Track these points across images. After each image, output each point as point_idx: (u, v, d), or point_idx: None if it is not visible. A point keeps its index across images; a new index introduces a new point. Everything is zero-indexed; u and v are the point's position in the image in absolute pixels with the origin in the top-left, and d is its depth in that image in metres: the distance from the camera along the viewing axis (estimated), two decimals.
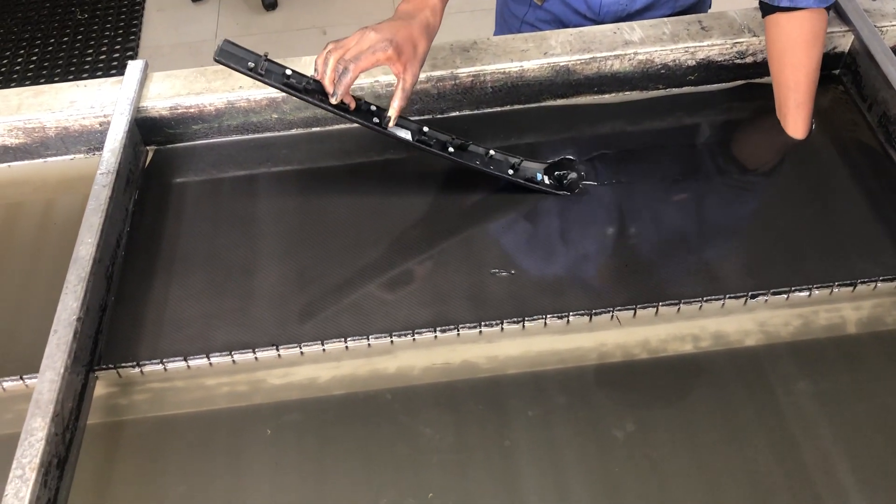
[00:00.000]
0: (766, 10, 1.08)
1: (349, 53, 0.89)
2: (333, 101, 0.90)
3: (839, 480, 0.79)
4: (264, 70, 0.90)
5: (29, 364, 0.87)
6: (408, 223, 1.03)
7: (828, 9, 1.06)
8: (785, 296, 0.93)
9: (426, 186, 1.07)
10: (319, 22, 2.85)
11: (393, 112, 0.93)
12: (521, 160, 1.03)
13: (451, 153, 1.00)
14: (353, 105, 0.93)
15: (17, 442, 0.77)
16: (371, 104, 0.96)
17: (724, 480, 0.79)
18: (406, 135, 0.98)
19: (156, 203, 1.08)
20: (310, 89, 0.92)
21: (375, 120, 0.95)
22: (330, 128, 1.16)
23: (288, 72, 0.91)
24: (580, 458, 0.82)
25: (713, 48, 1.15)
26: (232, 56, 0.90)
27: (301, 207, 1.05)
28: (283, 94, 0.94)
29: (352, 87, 0.90)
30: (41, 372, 0.81)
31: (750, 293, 0.93)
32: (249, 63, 0.90)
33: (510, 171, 1.03)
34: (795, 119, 1.09)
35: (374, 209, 1.05)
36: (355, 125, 0.96)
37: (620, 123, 1.16)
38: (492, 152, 1.03)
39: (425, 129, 1.00)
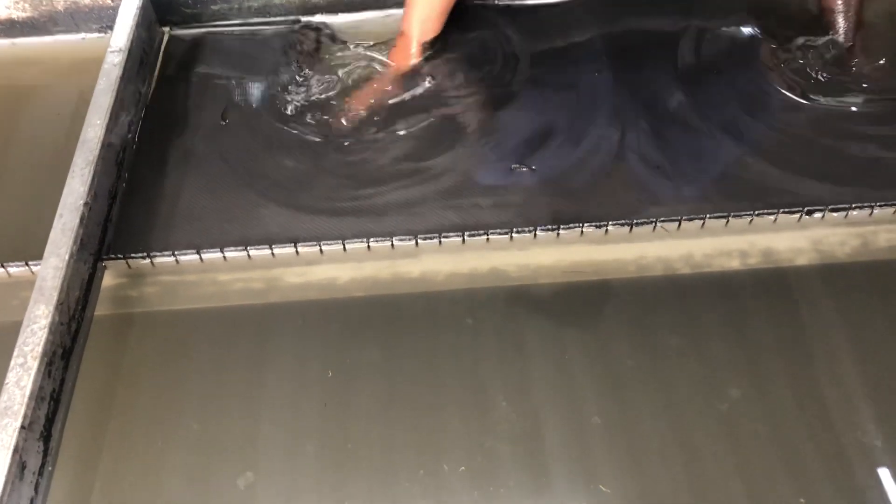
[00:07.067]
0: None
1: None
2: None
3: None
4: None
5: (37, 252, 0.82)
6: (426, 115, 0.96)
7: None
8: (844, 213, 0.86)
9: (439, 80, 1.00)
10: None
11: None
12: None
13: None
14: None
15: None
16: None
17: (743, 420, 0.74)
18: None
19: (172, 92, 1.01)
20: None
21: None
22: (357, 14, 1.09)
23: None
24: (593, 368, 0.77)
25: None
26: None
27: (321, 101, 0.98)
28: None
29: None
30: (45, 258, 0.77)
31: (805, 208, 0.85)
32: None
33: None
34: None
35: (396, 105, 0.98)
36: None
37: (670, 19, 1.06)
38: None
39: None
